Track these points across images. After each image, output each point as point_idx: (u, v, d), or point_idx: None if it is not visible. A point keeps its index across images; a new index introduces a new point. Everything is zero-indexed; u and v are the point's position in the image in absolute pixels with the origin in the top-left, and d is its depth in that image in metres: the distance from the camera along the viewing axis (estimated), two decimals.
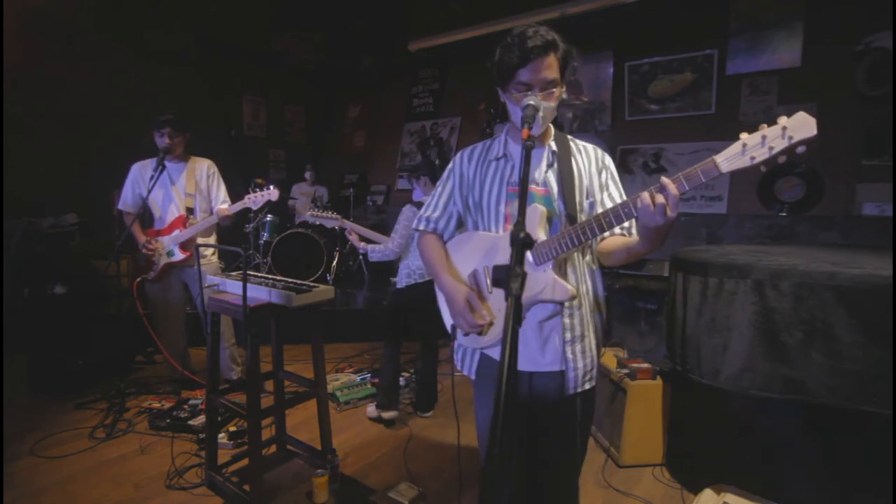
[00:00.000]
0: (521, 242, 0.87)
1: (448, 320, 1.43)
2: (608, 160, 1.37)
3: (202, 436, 2.48)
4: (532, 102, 1.15)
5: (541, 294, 1.22)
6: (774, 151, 0.96)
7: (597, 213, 1.21)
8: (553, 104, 1.22)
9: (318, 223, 2.92)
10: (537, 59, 1.19)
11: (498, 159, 1.36)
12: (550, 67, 1.20)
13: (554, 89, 1.22)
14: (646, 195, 1.05)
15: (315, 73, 7.05)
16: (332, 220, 2.87)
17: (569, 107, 5.01)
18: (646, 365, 2.48)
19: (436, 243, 1.46)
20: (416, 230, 1.51)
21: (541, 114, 1.17)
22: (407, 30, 6.15)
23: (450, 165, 1.46)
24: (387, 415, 2.81)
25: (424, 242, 1.48)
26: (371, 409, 2.91)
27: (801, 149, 0.94)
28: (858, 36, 3.60)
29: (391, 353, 2.84)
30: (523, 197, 0.97)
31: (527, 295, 1.20)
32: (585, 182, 1.32)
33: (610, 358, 2.70)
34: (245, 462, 2.23)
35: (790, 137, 0.94)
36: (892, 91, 3.40)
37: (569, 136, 1.38)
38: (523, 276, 0.85)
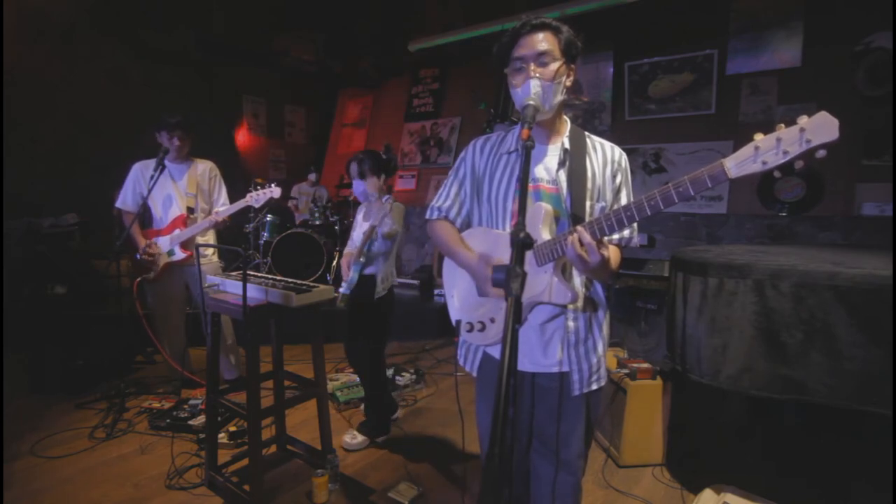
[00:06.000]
0: (520, 242, 0.87)
1: (454, 315, 1.43)
2: (624, 161, 1.32)
3: (202, 436, 2.48)
4: (532, 103, 1.13)
5: (540, 296, 1.21)
6: (790, 156, 0.87)
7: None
8: (550, 81, 1.19)
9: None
10: (528, 34, 1.21)
11: (510, 153, 1.34)
12: (543, 41, 1.20)
13: (550, 63, 1.20)
14: (569, 240, 1.09)
15: (315, 73, 7.04)
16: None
17: (569, 107, 5.01)
18: (646, 365, 2.48)
19: (448, 225, 1.45)
20: (428, 220, 1.50)
21: (534, 90, 1.15)
22: (407, 30, 6.15)
23: (462, 154, 1.44)
24: (383, 439, 2.63)
25: (436, 227, 1.46)
26: (353, 443, 2.56)
27: (820, 153, 0.86)
28: (858, 36, 3.60)
29: (380, 369, 2.63)
30: (524, 196, 0.96)
31: (527, 296, 1.20)
32: (598, 183, 1.29)
33: (610, 358, 2.70)
34: (245, 462, 2.23)
35: (808, 141, 0.85)
36: (892, 91, 3.40)
37: (585, 133, 1.35)
38: (523, 276, 0.85)
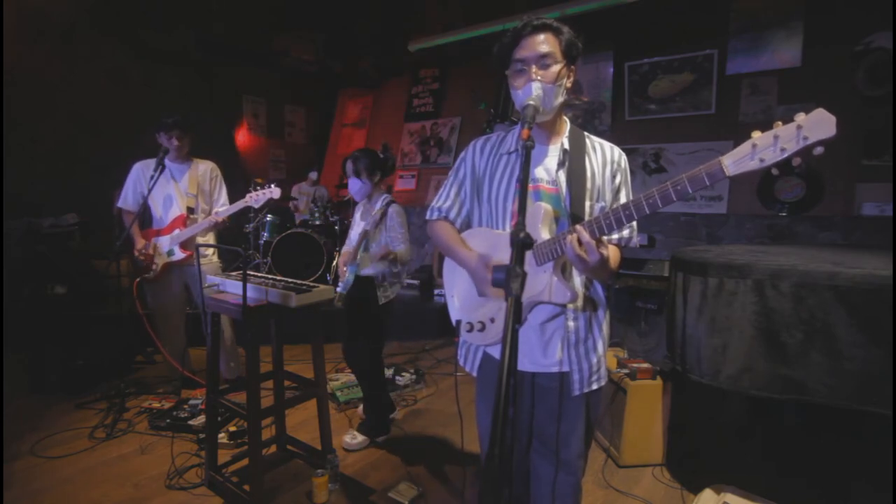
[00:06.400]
0: (520, 242, 0.87)
1: (454, 315, 1.43)
2: (624, 161, 1.33)
3: (202, 436, 2.48)
4: (532, 103, 1.13)
5: (540, 296, 1.21)
6: (787, 153, 0.87)
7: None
8: (552, 84, 1.19)
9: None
10: (529, 36, 1.21)
11: (510, 153, 1.34)
12: (544, 43, 1.20)
13: (552, 65, 1.20)
14: (568, 239, 1.10)
15: (315, 73, 7.04)
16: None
17: (569, 107, 5.00)
18: (646, 365, 2.48)
19: (448, 225, 1.45)
20: (429, 220, 1.50)
21: (535, 92, 1.16)
22: (407, 30, 6.15)
23: (462, 154, 1.45)
24: (383, 439, 2.62)
25: (436, 227, 1.46)
26: (353, 443, 2.55)
27: (818, 150, 0.86)
28: (858, 36, 3.60)
29: (378, 368, 2.62)
30: (523, 196, 0.96)
31: (526, 296, 1.20)
32: (598, 183, 1.29)
33: (610, 358, 2.69)
34: (245, 462, 2.23)
35: (805, 138, 0.85)
36: (892, 91, 3.40)
37: (585, 133, 1.35)
38: (523, 276, 0.84)
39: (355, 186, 2.55)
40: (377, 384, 2.63)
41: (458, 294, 1.42)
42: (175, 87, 5.52)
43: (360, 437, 2.58)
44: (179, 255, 2.99)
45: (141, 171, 3.03)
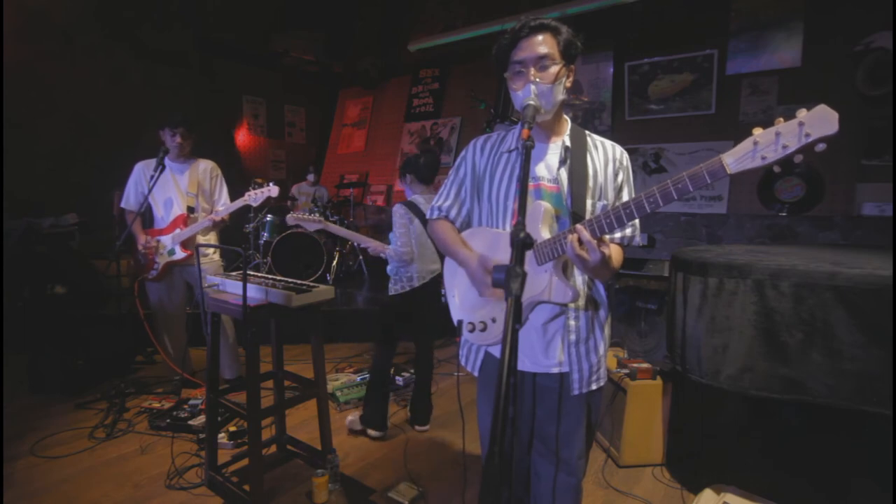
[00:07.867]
0: (520, 242, 0.87)
1: (455, 315, 1.43)
2: (626, 159, 1.32)
3: (202, 436, 2.48)
4: (532, 103, 1.13)
5: (541, 295, 1.21)
6: (789, 150, 0.86)
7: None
8: (551, 85, 1.19)
9: (297, 225, 2.67)
10: (527, 37, 1.20)
11: (510, 152, 1.34)
12: (543, 44, 1.19)
13: (550, 66, 1.19)
14: (569, 238, 1.09)
15: (315, 73, 7.05)
16: (314, 223, 2.64)
17: (569, 107, 5.01)
18: (646, 365, 2.48)
19: (448, 225, 1.45)
20: (429, 219, 1.50)
21: (534, 92, 1.16)
22: (407, 30, 6.16)
23: (462, 153, 1.44)
24: (374, 433, 2.65)
25: (436, 227, 1.47)
26: (354, 420, 2.70)
27: (820, 146, 0.84)
28: (858, 36, 3.60)
29: (383, 363, 2.66)
30: (523, 196, 0.96)
31: (527, 295, 1.20)
32: (600, 181, 1.28)
33: (610, 358, 2.69)
34: (245, 462, 2.23)
35: (807, 135, 0.84)
36: (892, 91, 3.40)
37: (586, 132, 1.34)
38: (523, 276, 0.84)
39: (405, 191, 2.72)
40: (373, 380, 2.66)
41: (460, 294, 1.42)
42: (175, 87, 5.53)
43: (359, 423, 2.67)
44: (180, 254, 2.99)
45: (142, 170, 3.04)
